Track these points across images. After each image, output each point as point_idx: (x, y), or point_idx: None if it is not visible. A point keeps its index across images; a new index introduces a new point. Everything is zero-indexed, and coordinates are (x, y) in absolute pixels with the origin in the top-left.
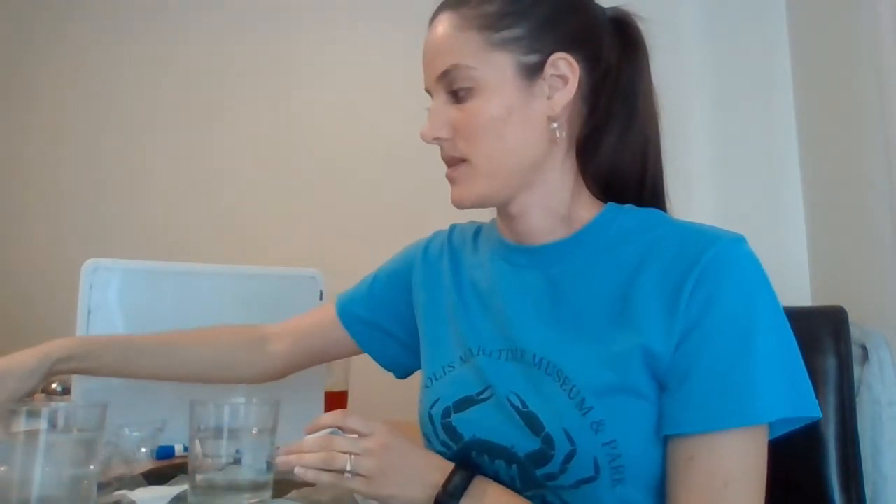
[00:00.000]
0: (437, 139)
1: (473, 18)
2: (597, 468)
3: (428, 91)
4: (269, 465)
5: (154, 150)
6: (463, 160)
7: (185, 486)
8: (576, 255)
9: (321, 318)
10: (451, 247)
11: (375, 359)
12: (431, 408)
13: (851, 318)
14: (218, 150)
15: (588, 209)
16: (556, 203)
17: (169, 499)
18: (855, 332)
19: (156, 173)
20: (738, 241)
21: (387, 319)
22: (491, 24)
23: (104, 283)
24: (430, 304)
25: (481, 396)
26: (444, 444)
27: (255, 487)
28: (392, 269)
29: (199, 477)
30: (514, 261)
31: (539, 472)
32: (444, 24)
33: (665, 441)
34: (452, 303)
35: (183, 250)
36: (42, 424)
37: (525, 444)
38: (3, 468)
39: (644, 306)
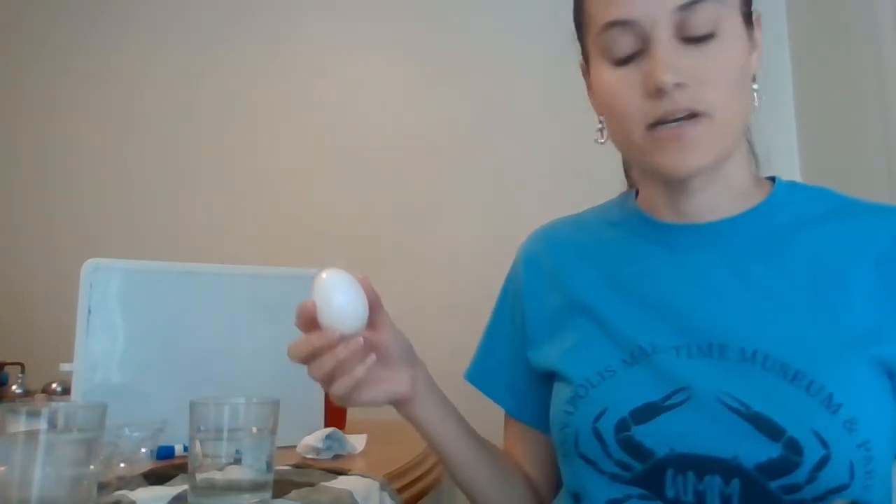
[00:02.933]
0: (678, 85)
1: None
2: (852, 474)
3: (618, 23)
4: (269, 465)
5: (153, 149)
6: (698, 114)
7: (185, 486)
8: (756, 233)
9: (509, 429)
10: (552, 250)
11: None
12: (596, 421)
13: None
14: (217, 150)
15: (758, 184)
16: (741, 176)
17: (169, 499)
18: None
19: (154, 173)
20: None
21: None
22: None
23: (104, 283)
24: (550, 314)
25: (670, 402)
26: (621, 464)
27: (255, 487)
28: (498, 319)
29: (199, 477)
30: (675, 243)
31: (775, 485)
32: None
33: None
34: (584, 304)
35: (183, 250)
36: (42, 424)
37: (757, 452)
38: (3, 468)
39: (867, 294)
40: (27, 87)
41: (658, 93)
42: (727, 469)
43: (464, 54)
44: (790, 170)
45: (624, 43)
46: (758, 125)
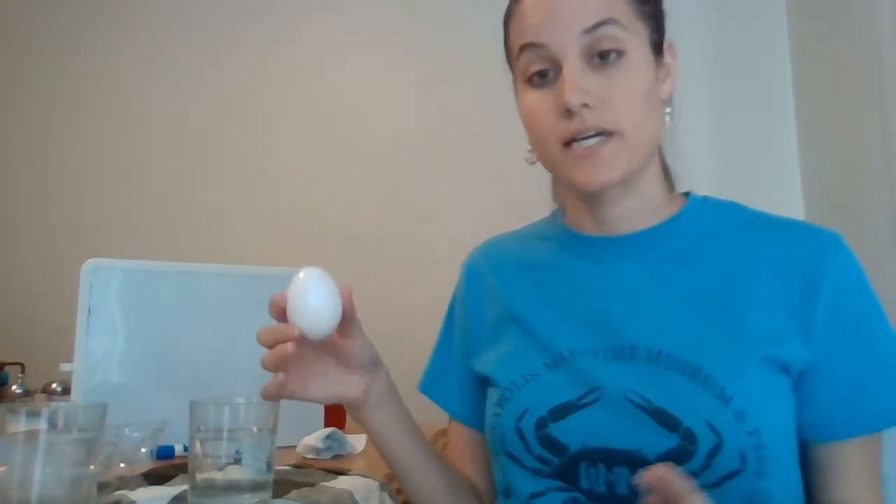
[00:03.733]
0: (584, 105)
1: None
2: (743, 460)
3: (530, 46)
4: (269, 465)
5: (153, 149)
6: (608, 133)
7: (185, 486)
8: (673, 243)
9: (456, 436)
10: (491, 265)
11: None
12: (519, 421)
13: None
14: (217, 150)
15: (672, 198)
16: (654, 191)
17: (169, 499)
18: None
19: (154, 173)
20: (843, 239)
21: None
22: None
23: (104, 283)
24: (489, 325)
25: (584, 401)
26: (541, 459)
27: (255, 487)
28: (446, 332)
29: (199, 477)
30: (599, 255)
31: None
32: None
33: (811, 443)
34: (516, 314)
35: (183, 250)
36: (42, 424)
37: (658, 443)
38: (3, 468)
39: (767, 301)
40: (27, 87)
41: (568, 113)
42: (633, 460)
43: (464, 54)
44: (790, 170)
45: (537, 65)
46: (757, 125)
